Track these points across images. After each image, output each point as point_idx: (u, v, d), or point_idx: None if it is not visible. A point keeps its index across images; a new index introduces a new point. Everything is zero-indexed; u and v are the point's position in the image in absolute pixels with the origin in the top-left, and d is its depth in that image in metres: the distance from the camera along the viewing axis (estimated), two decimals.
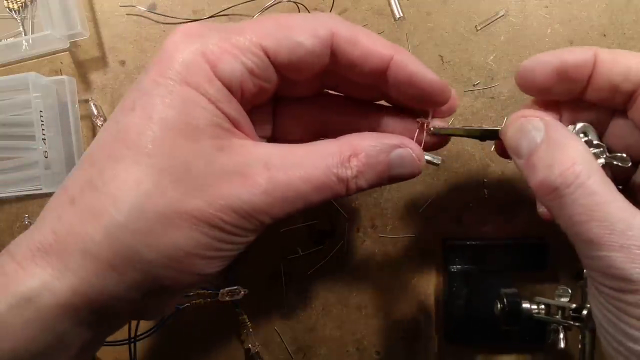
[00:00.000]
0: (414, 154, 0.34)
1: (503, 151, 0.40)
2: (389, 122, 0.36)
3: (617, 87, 0.33)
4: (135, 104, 0.27)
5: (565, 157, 0.29)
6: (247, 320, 0.58)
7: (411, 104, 0.35)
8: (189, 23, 0.31)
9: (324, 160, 0.30)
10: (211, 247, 0.29)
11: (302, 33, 0.29)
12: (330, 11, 0.58)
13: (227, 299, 0.57)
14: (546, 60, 0.35)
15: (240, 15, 0.59)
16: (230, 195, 0.28)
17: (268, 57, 0.28)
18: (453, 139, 0.57)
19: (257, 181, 0.28)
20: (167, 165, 0.26)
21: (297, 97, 0.36)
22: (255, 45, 0.28)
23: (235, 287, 0.57)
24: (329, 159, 0.30)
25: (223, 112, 0.28)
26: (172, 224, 0.27)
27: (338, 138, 0.32)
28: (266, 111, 0.36)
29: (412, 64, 0.31)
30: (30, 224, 0.60)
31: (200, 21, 0.31)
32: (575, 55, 0.34)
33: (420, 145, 0.37)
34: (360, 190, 0.32)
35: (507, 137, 0.34)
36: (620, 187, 0.38)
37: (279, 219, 0.31)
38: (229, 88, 0.28)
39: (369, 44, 0.30)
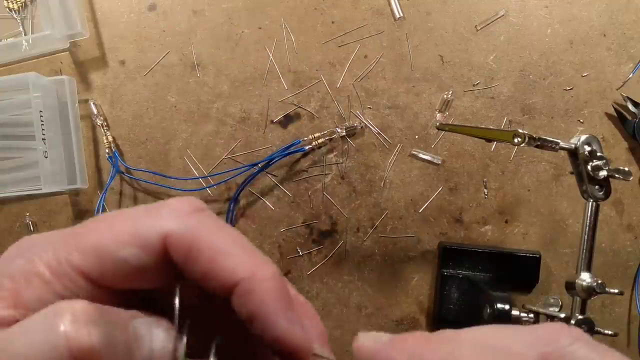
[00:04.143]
0: None
1: None
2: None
3: None
4: None
5: None
6: None
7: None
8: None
9: None
10: None
11: (127, 244, 0.22)
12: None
13: None
14: None
15: (240, 15, 0.59)
16: None
17: (89, 279, 0.22)
18: (454, 138, 0.58)
19: None
20: None
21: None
22: (72, 269, 0.22)
23: None
24: None
25: None
26: None
27: None
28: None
29: (261, 300, 0.21)
30: (31, 223, 0.60)
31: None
32: None
33: None
34: None
35: None
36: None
37: None
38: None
39: (211, 257, 0.21)
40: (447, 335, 0.23)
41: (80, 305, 0.19)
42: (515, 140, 0.43)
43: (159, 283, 0.23)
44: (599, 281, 0.44)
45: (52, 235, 0.24)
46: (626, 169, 0.42)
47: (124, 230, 0.22)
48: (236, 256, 0.22)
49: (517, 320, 0.48)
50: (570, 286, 0.45)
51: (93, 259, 0.22)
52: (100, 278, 0.22)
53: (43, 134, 0.55)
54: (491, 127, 0.57)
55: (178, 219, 0.22)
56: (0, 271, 0.22)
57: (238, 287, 0.21)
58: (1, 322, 0.22)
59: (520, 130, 0.43)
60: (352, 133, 0.58)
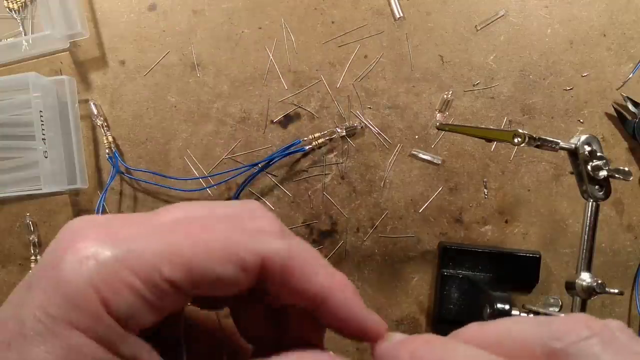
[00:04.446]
0: None
1: None
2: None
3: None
4: (12, 343, 0.23)
5: None
6: None
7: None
8: (88, 224, 0.24)
9: None
10: None
11: (223, 262, 0.23)
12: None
13: None
14: None
15: (240, 15, 0.59)
16: None
17: (177, 288, 0.23)
18: (454, 138, 0.58)
19: None
20: None
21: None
22: (161, 279, 0.22)
23: None
24: None
25: (114, 352, 0.23)
26: None
27: None
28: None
29: (346, 307, 0.25)
30: (31, 223, 0.60)
31: (103, 218, 0.25)
32: None
33: None
34: None
35: None
36: None
37: None
38: (124, 324, 0.23)
39: (304, 277, 0.24)
40: (456, 334, 0.24)
41: None
42: (515, 140, 0.43)
43: (235, 293, 0.25)
44: (599, 281, 0.44)
45: (127, 238, 0.23)
46: (626, 169, 0.42)
47: (219, 246, 0.23)
48: (322, 274, 0.24)
49: None
50: (570, 286, 0.45)
51: (185, 273, 0.23)
52: (190, 289, 0.23)
53: (43, 134, 0.55)
54: (491, 127, 0.57)
55: (274, 242, 0.24)
56: (79, 276, 0.22)
57: (327, 301, 0.25)
58: (99, 336, 0.22)
59: (520, 130, 0.43)
60: (352, 133, 0.58)
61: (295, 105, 0.59)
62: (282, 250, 0.24)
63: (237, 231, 0.24)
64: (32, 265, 0.59)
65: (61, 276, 0.22)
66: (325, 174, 0.59)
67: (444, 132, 0.57)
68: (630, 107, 0.55)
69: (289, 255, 0.24)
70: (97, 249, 0.23)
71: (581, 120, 0.57)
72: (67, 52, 0.60)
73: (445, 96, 0.57)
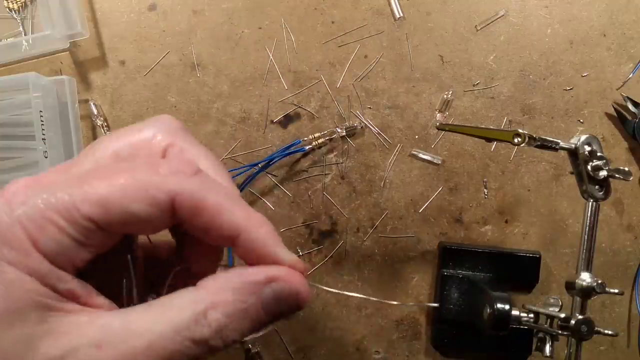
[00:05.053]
0: (292, 286, 0.27)
1: None
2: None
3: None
4: None
5: None
6: None
7: None
8: (20, 179, 0.26)
9: (171, 322, 0.25)
10: None
11: (136, 200, 0.24)
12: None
13: None
14: None
15: (240, 15, 0.59)
16: None
17: (98, 226, 0.25)
18: (454, 138, 0.58)
19: None
20: None
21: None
22: (81, 216, 0.24)
23: None
24: (177, 320, 0.25)
25: (50, 287, 0.25)
26: None
27: (197, 285, 0.26)
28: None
29: (261, 244, 0.26)
30: None
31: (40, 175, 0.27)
32: None
33: None
34: (235, 342, 0.26)
35: None
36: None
37: None
38: (54, 261, 0.25)
39: (214, 214, 0.25)
40: None
41: None
42: (515, 140, 0.43)
43: (157, 231, 0.27)
44: (599, 281, 0.44)
45: (52, 183, 0.25)
46: (626, 169, 0.42)
47: (132, 185, 0.25)
48: (235, 212, 0.26)
49: (517, 320, 0.47)
50: (570, 286, 0.45)
51: (102, 210, 0.24)
52: (106, 225, 0.25)
53: (43, 134, 0.55)
54: (491, 127, 0.57)
55: (185, 181, 0.25)
56: (8, 217, 0.24)
57: (240, 237, 0.26)
58: (32, 270, 0.24)
59: (521, 130, 0.43)
60: (352, 133, 0.58)
61: (295, 105, 0.59)
62: (191, 188, 0.25)
63: (151, 173, 0.25)
64: None
65: None
66: (325, 174, 0.59)
67: (444, 132, 0.57)
68: (630, 107, 0.55)
69: (198, 193, 0.25)
70: (25, 194, 0.25)
71: (581, 120, 0.57)
72: (67, 52, 0.60)
73: (445, 96, 0.57)
